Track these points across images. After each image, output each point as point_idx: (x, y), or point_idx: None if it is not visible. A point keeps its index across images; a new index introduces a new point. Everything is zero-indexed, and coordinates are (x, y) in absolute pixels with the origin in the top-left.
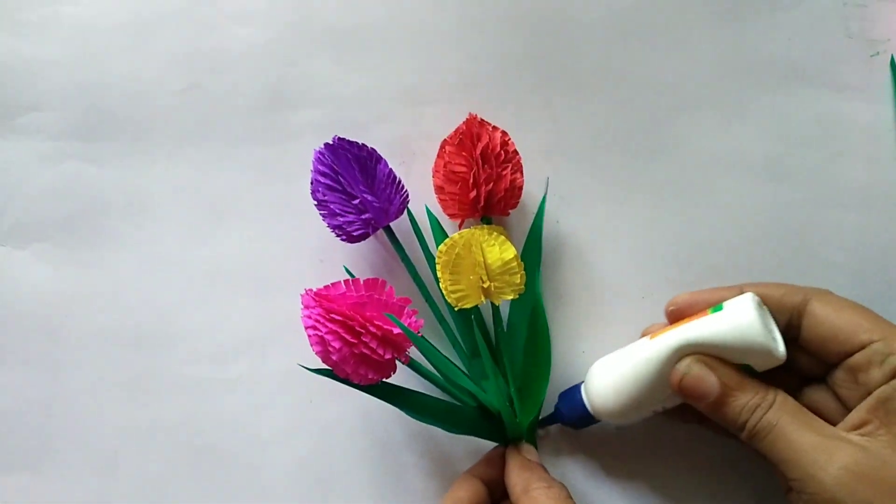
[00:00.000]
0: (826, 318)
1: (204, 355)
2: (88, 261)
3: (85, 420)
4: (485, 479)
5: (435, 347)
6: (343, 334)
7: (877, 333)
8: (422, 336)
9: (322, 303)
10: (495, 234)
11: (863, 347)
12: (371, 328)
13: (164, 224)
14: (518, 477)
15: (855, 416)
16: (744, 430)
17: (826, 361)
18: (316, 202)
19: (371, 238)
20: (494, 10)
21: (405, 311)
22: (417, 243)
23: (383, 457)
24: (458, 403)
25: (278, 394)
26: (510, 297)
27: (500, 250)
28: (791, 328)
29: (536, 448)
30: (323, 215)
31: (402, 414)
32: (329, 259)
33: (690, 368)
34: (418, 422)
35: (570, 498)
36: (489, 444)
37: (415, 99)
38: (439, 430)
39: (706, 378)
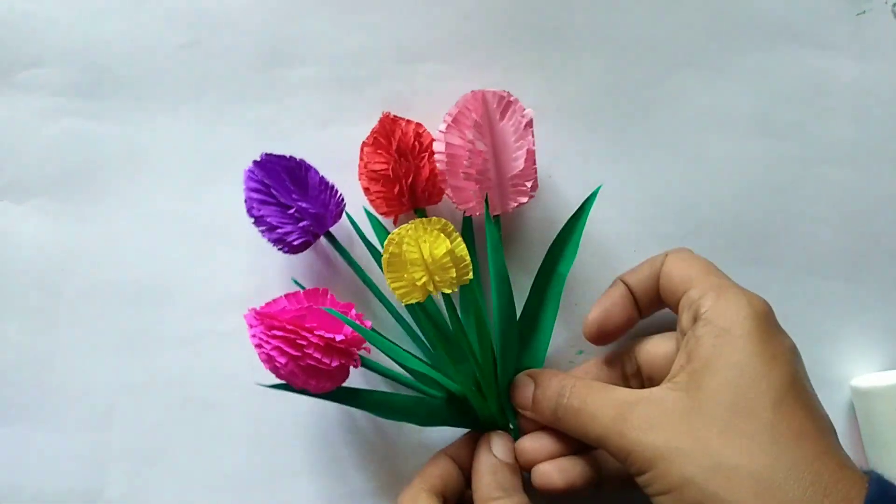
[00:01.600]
0: (669, 272)
1: (201, 309)
2: (87, 216)
3: (81, 374)
4: (458, 460)
5: (386, 338)
6: (286, 348)
7: (697, 282)
8: (373, 330)
9: (263, 320)
10: (429, 228)
11: (683, 293)
12: (312, 339)
13: (162, 180)
14: (479, 481)
15: (674, 366)
16: (556, 420)
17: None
18: (253, 219)
19: (318, 246)
20: None
21: (349, 315)
22: (364, 246)
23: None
24: (425, 396)
25: None
26: (450, 291)
27: (430, 247)
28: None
29: (515, 431)
30: (262, 231)
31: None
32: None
33: (517, 380)
34: None
35: None
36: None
37: (410, 56)
38: None
39: (526, 384)
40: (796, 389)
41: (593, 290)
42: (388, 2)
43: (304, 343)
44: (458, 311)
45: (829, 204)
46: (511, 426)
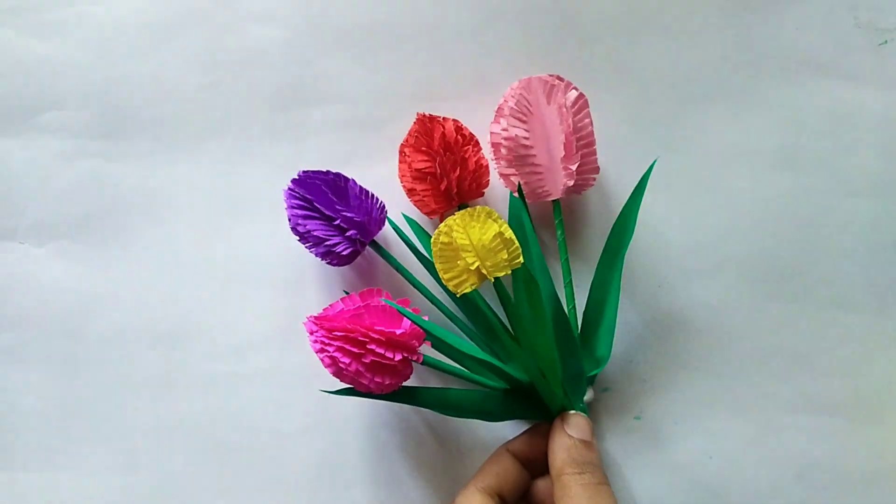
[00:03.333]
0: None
1: (223, 352)
2: (108, 258)
3: (104, 418)
4: (521, 455)
5: (446, 330)
6: (349, 348)
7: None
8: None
9: (323, 324)
10: (476, 214)
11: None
12: (373, 335)
13: (183, 222)
14: (555, 458)
15: None
16: None
17: None
18: (298, 236)
19: (361, 258)
20: (507, 6)
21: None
22: (407, 252)
23: (403, 448)
24: (489, 389)
25: (297, 388)
26: (504, 273)
27: (480, 231)
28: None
29: (584, 412)
30: (309, 247)
31: (422, 409)
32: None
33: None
34: (435, 414)
35: (605, 483)
36: (523, 425)
37: (430, 95)
38: (458, 421)
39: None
40: None
41: (619, 329)
42: (408, 41)
43: (365, 340)
44: (521, 299)
45: (856, 237)
46: (581, 406)
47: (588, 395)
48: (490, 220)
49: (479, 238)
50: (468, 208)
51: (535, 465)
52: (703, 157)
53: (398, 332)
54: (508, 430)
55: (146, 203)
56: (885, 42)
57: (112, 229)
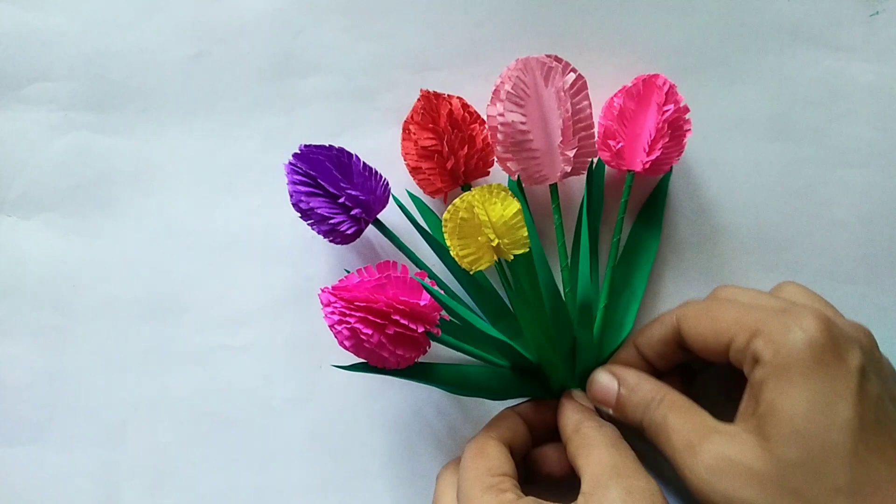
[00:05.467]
0: (694, 330)
1: (213, 324)
2: (96, 231)
3: (93, 391)
4: (527, 419)
5: (465, 304)
6: (372, 318)
7: (734, 330)
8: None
9: (342, 294)
10: (496, 191)
11: (728, 346)
12: (398, 305)
13: (172, 193)
14: (569, 417)
15: (742, 406)
16: (642, 429)
17: (714, 363)
18: (300, 213)
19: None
20: None
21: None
22: (406, 230)
23: (396, 422)
24: (494, 366)
25: (288, 362)
26: (521, 252)
27: (502, 206)
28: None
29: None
30: (311, 224)
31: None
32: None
33: (598, 377)
34: (427, 388)
35: (623, 439)
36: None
37: (422, 66)
38: (449, 396)
39: (607, 382)
40: (871, 428)
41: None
42: (400, 11)
43: (389, 311)
44: (521, 282)
45: (849, 207)
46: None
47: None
48: (510, 197)
49: (501, 214)
50: (486, 185)
51: (536, 433)
52: (695, 128)
53: (422, 302)
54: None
55: (135, 175)
56: (877, 13)
57: (100, 202)
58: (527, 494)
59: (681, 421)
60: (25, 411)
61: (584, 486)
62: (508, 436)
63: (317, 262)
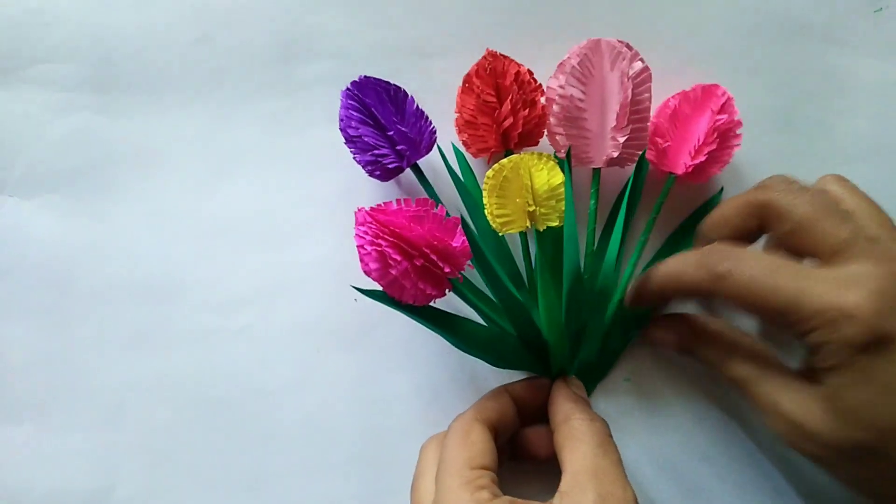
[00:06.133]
0: (752, 293)
1: (211, 307)
2: (97, 212)
3: (90, 372)
4: (516, 398)
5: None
6: (404, 247)
7: (794, 312)
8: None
9: (378, 217)
10: (545, 159)
11: (785, 321)
12: (432, 241)
13: (173, 176)
14: (561, 406)
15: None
16: (715, 282)
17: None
18: (346, 139)
19: (388, 186)
20: None
21: (458, 231)
22: (441, 184)
23: (389, 408)
24: (502, 331)
25: (285, 345)
26: (555, 224)
27: (548, 175)
28: None
29: (587, 389)
30: (353, 151)
31: (409, 366)
32: (342, 209)
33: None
34: (424, 374)
35: (611, 436)
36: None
37: (426, 51)
38: (445, 382)
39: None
40: None
41: None
42: None
43: (421, 242)
44: (547, 254)
45: None
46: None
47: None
48: (556, 167)
49: (546, 182)
50: (536, 152)
51: (527, 412)
52: None
53: (454, 244)
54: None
55: (136, 157)
56: (881, 9)
57: (102, 183)
58: (510, 470)
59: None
60: (24, 392)
61: (563, 485)
62: (495, 418)
63: (316, 246)
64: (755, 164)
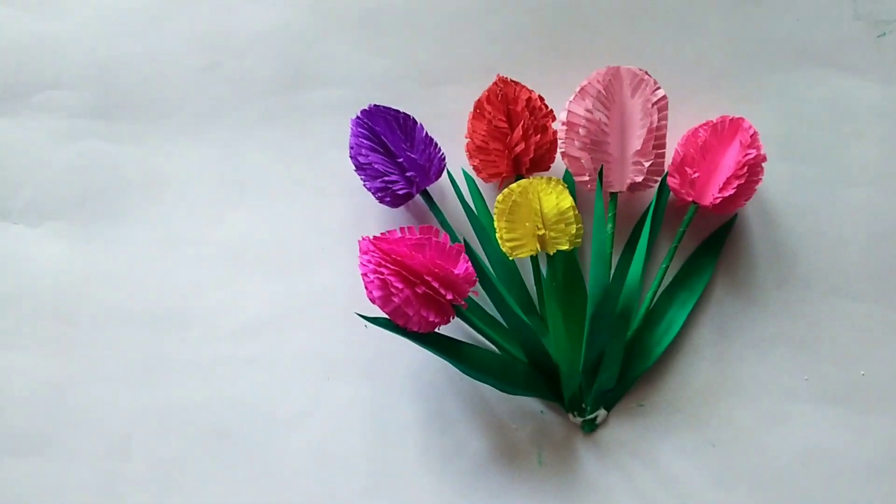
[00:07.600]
0: None
1: (220, 336)
2: (104, 240)
3: (97, 402)
4: None
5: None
6: (406, 275)
7: None
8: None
9: (381, 246)
10: (553, 183)
11: None
12: (434, 267)
13: (181, 203)
14: None
15: None
16: None
17: None
18: (356, 166)
19: (397, 212)
20: None
21: (461, 258)
22: (452, 208)
23: (400, 438)
24: (511, 357)
25: (295, 373)
26: (565, 248)
27: (557, 199)
28: None
29: (588, 411)
30: (363, 178)
31: (420, 395)
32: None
33: None
34: (435, 402)
35: None
36: (529, 409)
37: (432, 79)
38: (456, 411)
39: None
40: None
41: None
42: (411, 25)
43: (422, 271)
44: (559, 278)
45: (856, 226)
46: (585, 406)
47: (600, 417)
48: (566, 191)
49: (556, 205)
50: (545, 176)
51: None
52: None
53: (457, 271)
54: (511, 415)
55: (143, 184)
56: (884, 34)
57: (108, 210)
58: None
59: None
60: (28, 422)
61: None
62: None
63: (325, 274)
64: (762, 189)
